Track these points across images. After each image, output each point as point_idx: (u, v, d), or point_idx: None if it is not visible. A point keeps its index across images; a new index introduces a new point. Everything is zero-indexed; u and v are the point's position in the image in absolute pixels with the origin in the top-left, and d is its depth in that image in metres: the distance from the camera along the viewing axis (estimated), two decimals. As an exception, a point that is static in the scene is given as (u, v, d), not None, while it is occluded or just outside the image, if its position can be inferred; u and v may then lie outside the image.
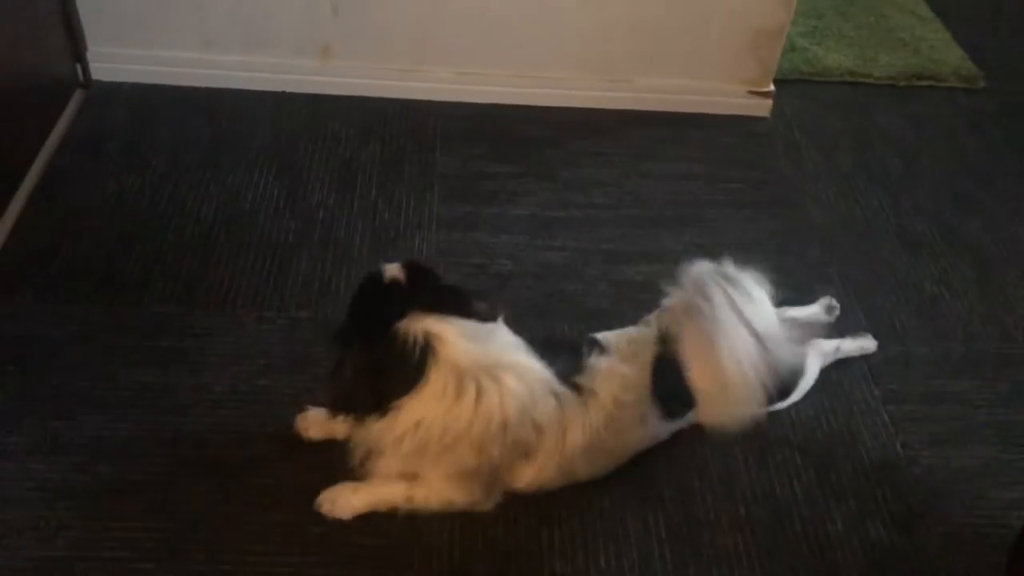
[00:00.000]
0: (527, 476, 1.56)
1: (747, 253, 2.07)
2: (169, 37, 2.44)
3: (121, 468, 1.62)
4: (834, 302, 2.01)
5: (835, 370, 1.91)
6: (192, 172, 2.25)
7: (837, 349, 1.91)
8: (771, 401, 1.67)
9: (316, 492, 1.60)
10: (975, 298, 2.15)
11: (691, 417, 1.68)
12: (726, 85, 2.61)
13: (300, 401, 1.71)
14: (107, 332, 1.85)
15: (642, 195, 2.35)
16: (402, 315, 1.43)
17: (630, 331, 1.67)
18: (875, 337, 1.98)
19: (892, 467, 1.77)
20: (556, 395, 1.52)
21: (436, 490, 1.55)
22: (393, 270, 1.50)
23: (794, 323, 1.76)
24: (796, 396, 1.81)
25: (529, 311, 1.94)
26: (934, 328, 2.06)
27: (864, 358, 1.95)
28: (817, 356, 1.85)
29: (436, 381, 1.43)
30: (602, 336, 1.65)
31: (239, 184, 2.24)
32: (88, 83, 2.47)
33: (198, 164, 2.28)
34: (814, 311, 1.98)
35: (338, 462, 1.60)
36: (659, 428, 1.66)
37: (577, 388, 1.54)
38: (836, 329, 1.98)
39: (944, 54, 2.94)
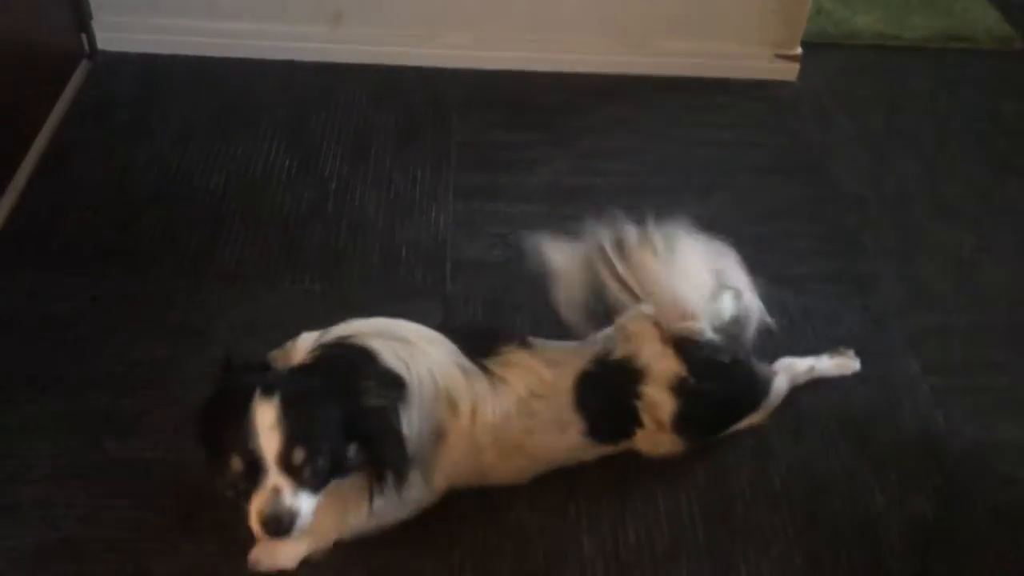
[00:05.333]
0: (440, 463, 1.42)
1: (778, 220, 1.98)
2: (176, 5, 2.37)
3: (128, 445, 1.56)
4: (855, 359, 1.77)
5: (873, 340, 1.83)
6: (201, 143, 2.18)
7: (811, 368, 1.72)
8: (734, 418, 1.61)
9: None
10: (1017, 264, 2.05)
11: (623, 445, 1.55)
12: (752, 48, 2.52)
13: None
14: (113, 307, 1.79)
15: (667, 162, 2.26)
16: None
17: (569, 344, 1.55)
18: (914, 305, 1.90)
19: (934, 439, 1.68)
20: (463, 368, 1.43)
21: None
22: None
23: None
24: (760, 415, 1.63)
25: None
26: (974, 296, 1.97)
27: (904, 326, 1.87)
28: (787, 375, 1.68)
29: None
30: (534, 339, 1.53)
31: (249, 155, 2.17)
32: (94, 53, 2.40)
33: (207, 135, 2.21)
34: (824, 366, 1.74)
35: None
36: (583, 445, 1.52)
37: (486, 371, 1.45)
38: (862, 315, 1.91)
39: (978, 15, 2.84)
